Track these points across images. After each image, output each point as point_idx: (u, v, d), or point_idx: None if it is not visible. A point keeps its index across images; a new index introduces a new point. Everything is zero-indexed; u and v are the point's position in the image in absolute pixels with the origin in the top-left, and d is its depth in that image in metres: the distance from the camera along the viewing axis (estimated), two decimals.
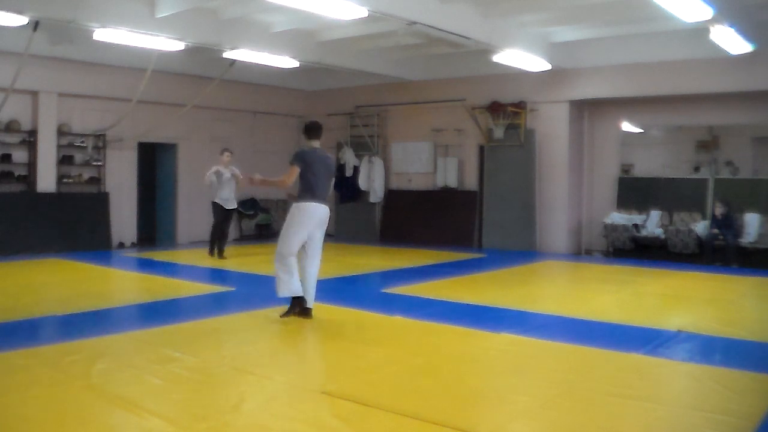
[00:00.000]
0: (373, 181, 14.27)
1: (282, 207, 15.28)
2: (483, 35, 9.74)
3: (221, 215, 11.01)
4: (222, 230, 11.11)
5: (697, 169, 12.21)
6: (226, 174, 10.84)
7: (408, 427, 3.69)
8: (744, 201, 11.12)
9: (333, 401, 4.04)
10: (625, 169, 12.77)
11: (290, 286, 6.12)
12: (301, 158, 6.18)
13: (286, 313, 6.26)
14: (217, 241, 11.06)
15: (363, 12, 7.86)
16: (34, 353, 5.03)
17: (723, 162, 11.90)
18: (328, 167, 6.40)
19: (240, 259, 11.11)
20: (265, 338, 5.69)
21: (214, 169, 10.83)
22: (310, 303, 6.31)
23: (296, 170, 6.13)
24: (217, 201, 10.93)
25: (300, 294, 6.18)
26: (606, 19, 10.03)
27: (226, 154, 10.97)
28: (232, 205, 11.08)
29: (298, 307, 6.24)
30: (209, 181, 10.79)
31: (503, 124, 12.72)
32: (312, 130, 6.38)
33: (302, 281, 6.21)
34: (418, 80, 13.64)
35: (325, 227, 6.35)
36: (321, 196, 6.23)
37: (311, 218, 6.16)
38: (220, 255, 11.00)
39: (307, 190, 6.17)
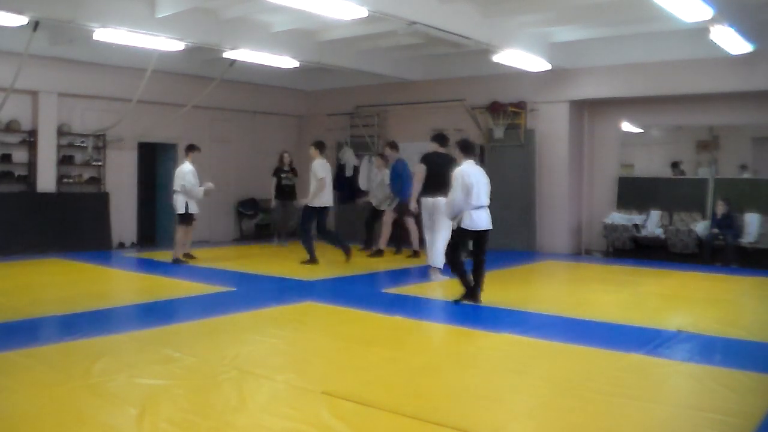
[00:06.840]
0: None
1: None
2: (483, 35, 9.74)
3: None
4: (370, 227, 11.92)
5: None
6: (378, 178, 11.75)
7: (408, 427, 3.69)
8: (744, 201, 11.11)
9: (333, 401, 4.04)
10: (628, 165, 12.77)
11: None
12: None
13: None
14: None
15: (363, 12, 7.86)
16: (34, 353, 5.03)
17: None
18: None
19: (240, 260, 11.11)
20: (265, 338, 5.69)
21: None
22: None
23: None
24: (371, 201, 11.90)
25: None
26: (606, 19, 10.01)
27: (380, 156, 11.84)
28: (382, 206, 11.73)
29: None
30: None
31: (503, 124, 12.71)
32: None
33: None
34: (418, 80, 13.62)
35: None
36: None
37: None
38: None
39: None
